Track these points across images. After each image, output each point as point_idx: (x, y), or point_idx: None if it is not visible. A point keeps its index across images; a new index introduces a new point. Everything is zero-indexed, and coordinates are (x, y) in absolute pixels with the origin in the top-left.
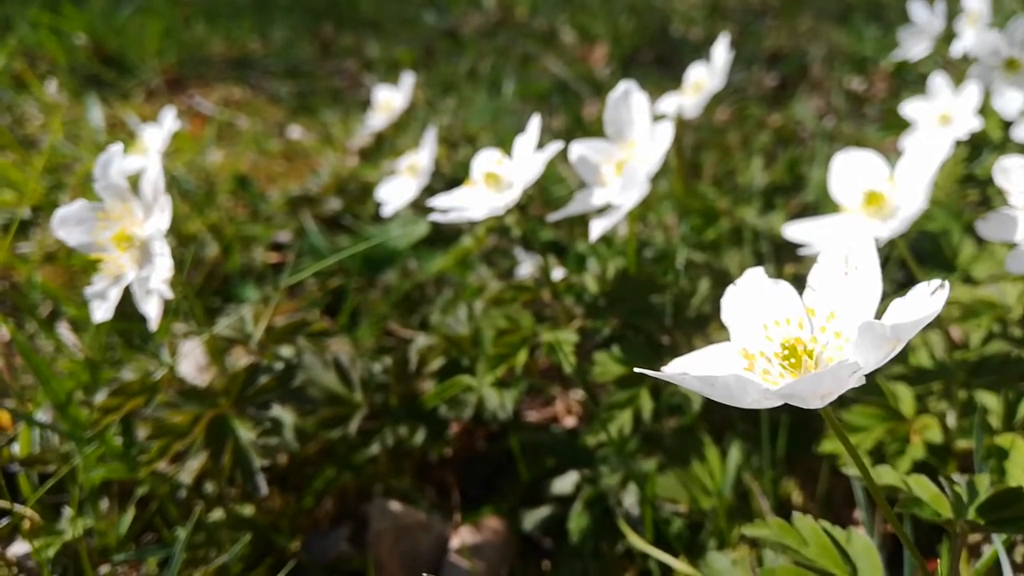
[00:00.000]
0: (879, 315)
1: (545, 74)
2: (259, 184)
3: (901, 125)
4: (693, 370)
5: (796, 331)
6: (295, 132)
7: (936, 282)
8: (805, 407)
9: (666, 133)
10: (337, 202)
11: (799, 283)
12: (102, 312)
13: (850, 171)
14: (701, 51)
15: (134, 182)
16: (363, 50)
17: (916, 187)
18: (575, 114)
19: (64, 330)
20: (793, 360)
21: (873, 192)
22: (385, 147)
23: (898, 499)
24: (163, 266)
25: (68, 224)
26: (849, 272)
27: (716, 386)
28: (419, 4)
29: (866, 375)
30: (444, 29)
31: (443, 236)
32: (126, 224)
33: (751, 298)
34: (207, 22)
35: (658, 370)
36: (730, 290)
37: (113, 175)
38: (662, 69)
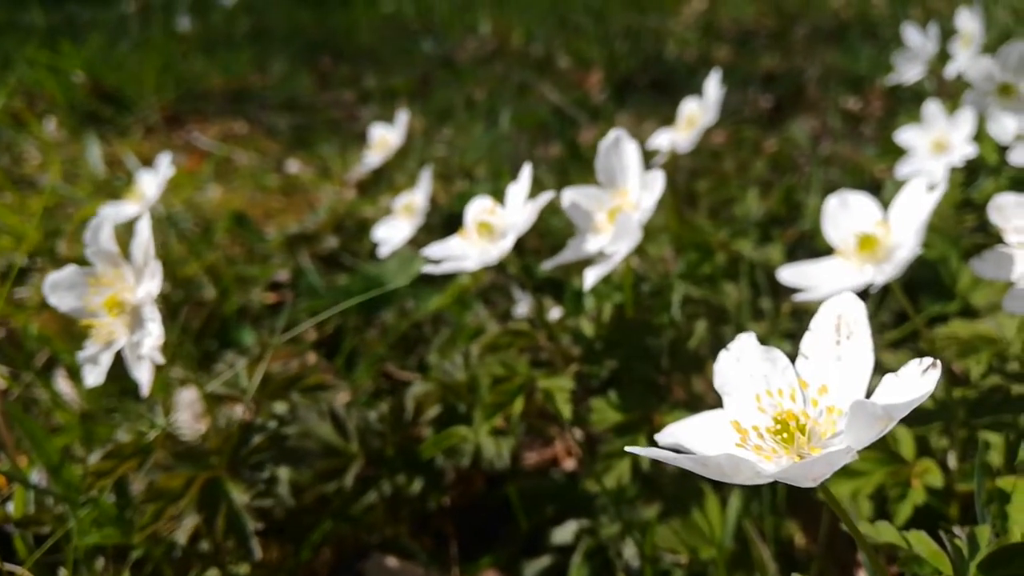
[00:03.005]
0: (873, 382)
1: (541, 101)
2: (257, 220)
3: (897, 151)
4: (686, 437)
5: (788, 403)
6: (293, 166)
7: (928, 360)
8: (798, 487)
9: (658, 181)
10: (334, 240)
11: (797, 319)
12: (94, 377)
13: (843, 213)
14: (696, 73)
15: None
16: (361, 81)
17: (910, 231)
18: (571, 142)
19: (61, 379)
20: (786, 435)
21: (867, 236)
22: (383, 180)
23: (898, 556)
24: (155, 332)
25: (59, 289)
26: (841, 340)
27: (709, 466)
28: (416, 32)
29: None
30: (441, 57)
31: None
32: (118, 289)
33: (743, 365)
34: (206, 56)
35: (654, 415)
36: (722, 355)
37: (104, 241)
38: (657, 92)
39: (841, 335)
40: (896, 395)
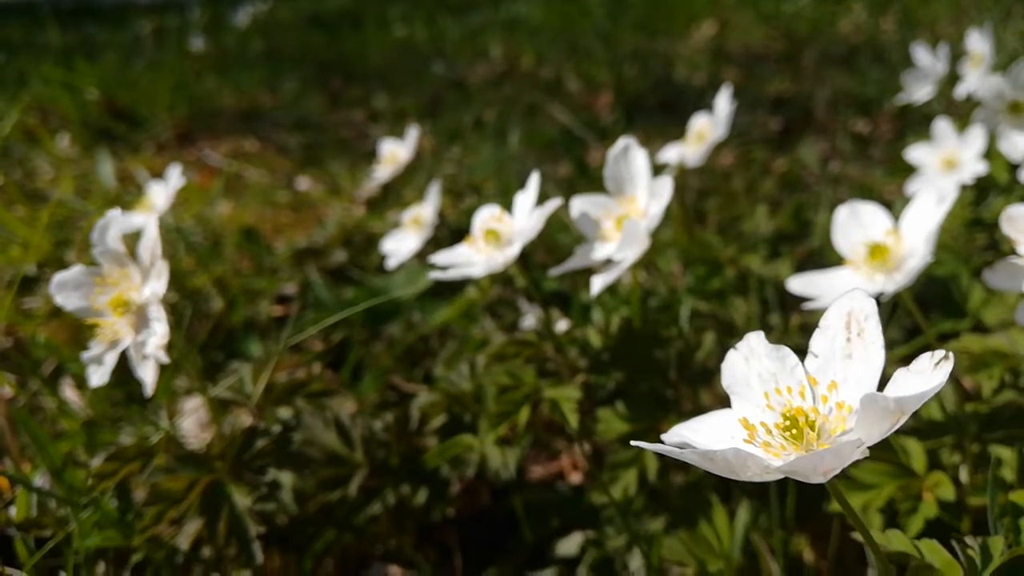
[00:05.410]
0: (884, 380)
1: (550, 122)
2: (266, 235)
3: (907, 169)
4: (693, 437)
5: (798, 400)
6: (303, 183)
7: (940, 353)
8: (808, 482)
9: (666, 189)
10: (343, 254)
11: (806, 333)
12: (98, 377)
13: (854, 223)
14: (705, 95)
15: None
16: (371, 101)
17: (920, 240)
18: (579, 161)
19: (68, 387)
20: (795, 432)
21: (877, 245)
22: (391, 197)
23: (909, 565)
24: (159, 332)
25: (66, 289)
26: (851, 338)
27: (715, 461)
28: (427, 55)
29: None
30: (451, 79)
31: (447, 286)
32: (123, 289)
33: (751, 364)
34: (218, 75)
35: (661, 426)
36: (730, 355)
37: (110, 240)
38: (666, 114)
39: (852, 332)
40: (908, 388)
